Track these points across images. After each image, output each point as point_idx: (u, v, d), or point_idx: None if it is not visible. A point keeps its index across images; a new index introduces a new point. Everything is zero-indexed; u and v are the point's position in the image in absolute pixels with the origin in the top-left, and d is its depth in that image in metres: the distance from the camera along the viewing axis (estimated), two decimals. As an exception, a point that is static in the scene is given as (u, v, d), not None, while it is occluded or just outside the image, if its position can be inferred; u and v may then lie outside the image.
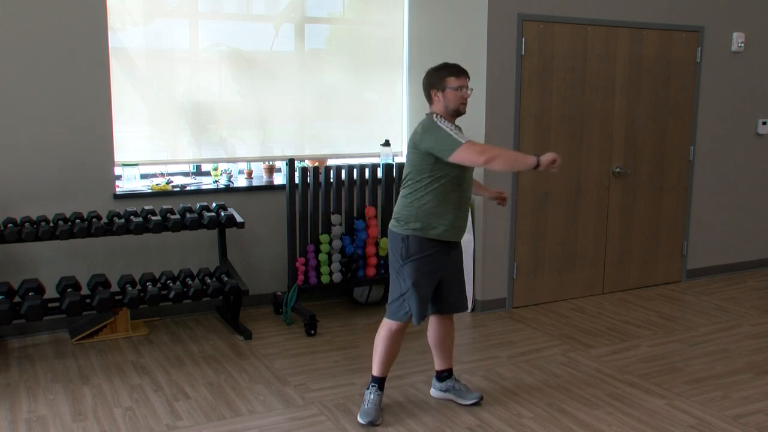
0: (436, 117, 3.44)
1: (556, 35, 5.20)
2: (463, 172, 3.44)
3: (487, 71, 4.97)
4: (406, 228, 3.45)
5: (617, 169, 5.61)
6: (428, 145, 3.35)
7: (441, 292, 3.59)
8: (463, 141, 3.30)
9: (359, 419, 3.54)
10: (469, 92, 3.47)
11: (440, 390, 3.81)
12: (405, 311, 3.49)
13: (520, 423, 3.56)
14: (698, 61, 5.87)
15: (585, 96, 5.39)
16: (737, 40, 6.02)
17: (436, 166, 3.38)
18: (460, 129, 3.48)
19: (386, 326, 3.55)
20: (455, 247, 3.58)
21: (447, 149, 3.29)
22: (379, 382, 3.61)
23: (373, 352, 3.62)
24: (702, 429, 3.52)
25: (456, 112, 3.46)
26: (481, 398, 3.75)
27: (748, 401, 3.83)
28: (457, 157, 3.28)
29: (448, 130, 3.35)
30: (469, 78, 3.49)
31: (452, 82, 3.41)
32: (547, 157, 3.24)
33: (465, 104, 3.46)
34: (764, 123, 6.32)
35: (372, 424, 3.50)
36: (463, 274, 3.69)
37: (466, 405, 3.72)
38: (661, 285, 6.04)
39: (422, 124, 3.45)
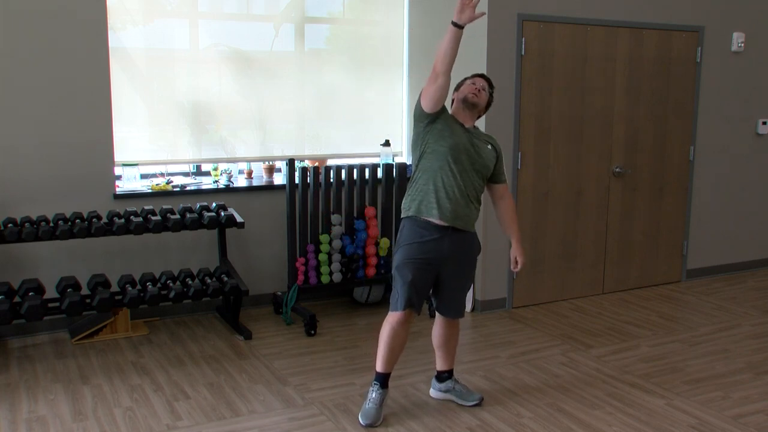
0: None
1: (556, 35, 5.20)
2: (455, 154, 3.41)
3: (487, 71, 4.97)
4: (405, 213, 3.53)
5: (617, 169, 5.62)
6: (415, 107, 3.49)
7: (438, 290, 3.60)
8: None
9: (360, 419, 3.53)
10: (484, 89, 3.56)
11: (440, 390, 3.81)
12: (396, 298, 3.48)
13: (520, 423, 3.56)
14: (698, 61, 5.87)
15: (585, 96, 5.39)
16: (737, 40, 6.03)
17: (424, 138, 3.46)
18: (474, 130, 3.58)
19: (388, 320, 3.53)
20: (458, 241, 3.48)
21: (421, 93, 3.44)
22: (382, 380, 3.58)
23: (377, 349, 3.60)
24: (702, 429, 3.52)
25: (465, 101, 3.50)
26: (482, 399, 3.75)
27: (748, 401, 3.84)
28: (426, 90, 3.36)
29: None
30: (490, 85, 3.62)
31: (468, 80, 3.60)
32: (456, 14, 3.20)
33: (475, 94, 3.51)
34: (764, 123, 6.32)
35: (371, 426, 3.49)
36: (466, 277, 3.62)
37: (466, 406, 3.72)
38: (661, 285, 6.04)
39: None
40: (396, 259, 3.50)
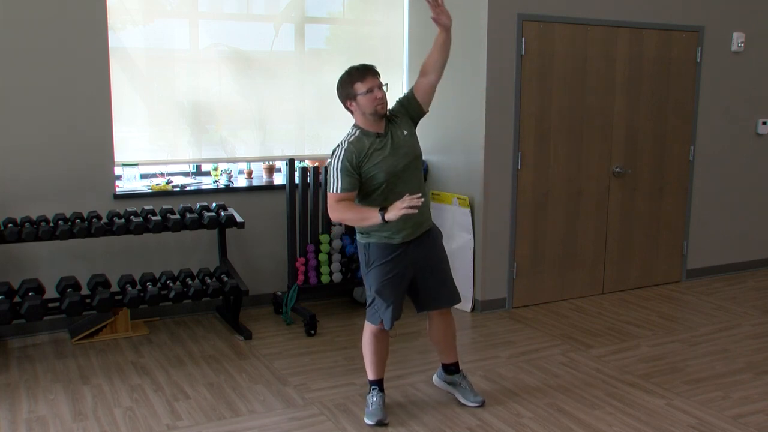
0: (348, 136, 3.38)
1: (556, 35, 5.20)
2: (395, 176, 3.34)
3: (487, 71, 4.97)
4: (366, 237, 3.47)
5: (617, 169, 5.61)
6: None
7: (417, 289, 3.58)
8: (333, 191, 3.32)
9: (367, 420, 3.53)
10: (383, 90, 3.34)
11: (445, 381, 3.82)
12: (378, 315, 3.50)
13: (520, 423, 3.56)
14: (698, 61, 5.87)
15: (585, 96, 5.39)
16: (737, 40, 6.02)
17: (361, 184, 3.35)
18: (397, 119, 3.45)
19: (367, 330, 3.58)
20: (422, 242, 3.48)
21: (329, 187, 3.37)
22: (378, 384, 3.62)
23: (365, 360, 3.63)
24: (702, 429, 3.52)
25: (375, 115, 3.35)
26: (483, 403, 3.74)
27: (748, 401, 3.83)
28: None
29: (336, 166, 3.31)
30: (378, 75, 3.37)
31: (359, 87, 3.32)
32: (391, 214, 3.14)
33: (382, 104, 3.32)
34: (764, 123, 6.32)
35: (381, 423, 3.50)
36: (442, 266, 3.59)
37: (466, 406, 3.72)
38: (661, 285, 6.03)
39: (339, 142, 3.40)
40: (372, 282, 3.48)
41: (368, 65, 3.39)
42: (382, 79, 3.39)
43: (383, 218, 3.17)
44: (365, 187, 3.37)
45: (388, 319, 3.47)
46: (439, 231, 3.65)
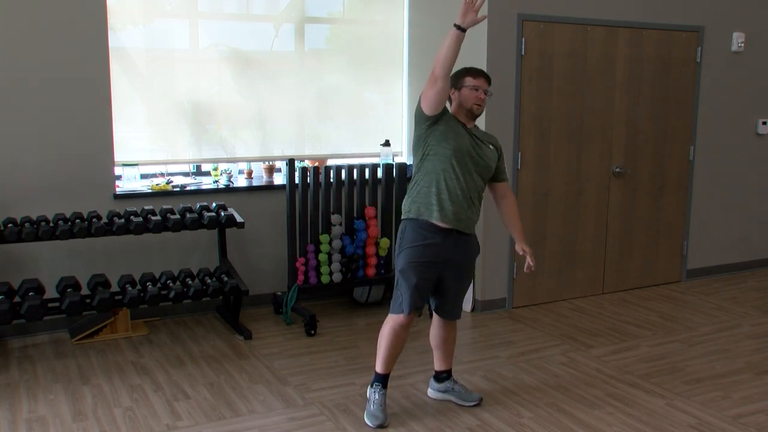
0: None
1: (556, 35, 5.20)
2: (460, 155, 3.38)
3: (487, 71, 4.94)
4: (405, 215, 3.49)
5: (617, 169, 5.62)
6: (415, 109, 3.43)
7: (439, 292, 3.58)
8: None
9: (367, 421, 3.52)
10: (486, 95, 3.47)
11: (438, 391, 3.81)
12: (400, 302, 3.46)
13: (520, 423, 3.56)
14: (698, 61, 5.87)
15: (585, 96, 5.39)
16: (737, 40, 6.03)
17: (426, 140, 3.41)
18: (475, 133, 3.54)
19: (389, 321, 3.53)
20: (459, 245, 3.48)
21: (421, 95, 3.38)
22: (383, 380, 3.58)
23: (376, 349, 3.60)
24: (702, 429, 3.52)
25: (470, 112, 3.46)
26: (481, 400, 3.75)
27: (748, 401, 3.84)
28: (425, 94, 3.31)
29: None
30: (489, 83, 3.51)
31: (469, 81, 3.45)
32: (459, 17, 3.14)
33: (480, 105, 3.46)
34: (764, 123, 6.32)
35: (381, 426, 3.49)
36: (464, 286, 3.64)
37: (466, 406, 3.72)
38: (661, 285, 6.04)
39: None
40: (400, 262, 3.47)
41: (486, 72, 3.54)
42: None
43: (456, 25, 3.14)
44: (434, 144, 3.39)
45: (406, 303, 3.42)
46: (478, 246, 3.67)
